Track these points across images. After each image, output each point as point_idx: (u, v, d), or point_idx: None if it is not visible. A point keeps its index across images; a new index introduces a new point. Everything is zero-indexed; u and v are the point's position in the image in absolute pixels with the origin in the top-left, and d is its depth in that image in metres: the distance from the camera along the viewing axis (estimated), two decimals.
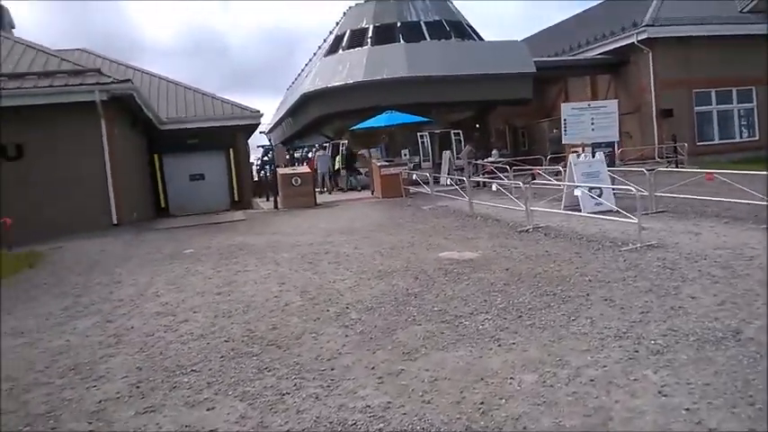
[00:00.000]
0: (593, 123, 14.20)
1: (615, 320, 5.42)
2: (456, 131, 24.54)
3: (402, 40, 23.21)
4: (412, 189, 17.59)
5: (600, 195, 11.91)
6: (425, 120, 21.01)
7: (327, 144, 26.50)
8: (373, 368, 4.79)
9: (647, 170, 11.57)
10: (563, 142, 14.83)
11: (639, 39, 23.55)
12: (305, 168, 17.73)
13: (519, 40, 24.79)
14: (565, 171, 13.61)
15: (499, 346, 5.07)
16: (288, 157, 28.18)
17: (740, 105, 25.16)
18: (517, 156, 24.32)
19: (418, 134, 23.45)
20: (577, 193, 9.50)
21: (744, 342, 4.67)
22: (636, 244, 8.41)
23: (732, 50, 23.71)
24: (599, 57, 25.91)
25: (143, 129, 22.29)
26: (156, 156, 25.10)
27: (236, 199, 24.28)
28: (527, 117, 30.11)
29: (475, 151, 20.08)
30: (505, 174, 16.65)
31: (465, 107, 25.51)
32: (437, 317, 5.96)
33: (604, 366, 4.45)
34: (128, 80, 15.90)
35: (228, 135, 24.93)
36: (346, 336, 5.61)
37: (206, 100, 26.15)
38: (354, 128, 21.58)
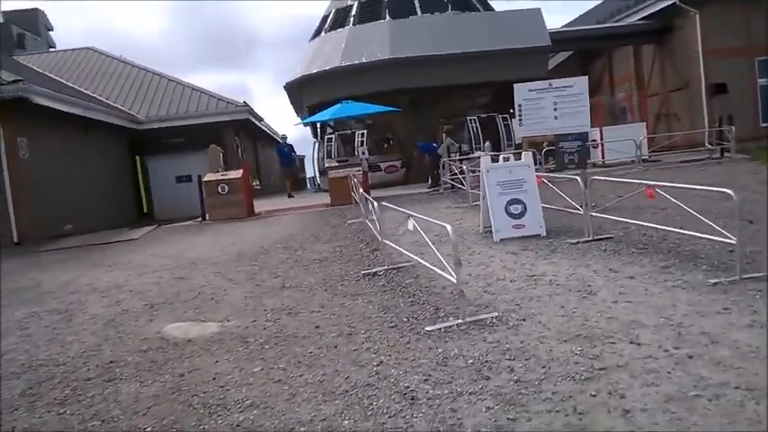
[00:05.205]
0: (555, 110, 10.55)
1: None
2: (504, 115, 20.72)
3: (388, 17, 19.76)
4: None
5: (522, 214, 8.41)
6: (391, 109, 17.58)
7: (332, 136, 23.22)
8: None
9: (579, 177, 7.86)
10: (519, 135, 11.20)
11: None
12: (235, 173, 14.92)
13: (538, 8, 20.41)
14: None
15: None
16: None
17: None
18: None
19: (468, 119, 19.89)
20: (409, 226, 6.08)
21: None
22: (462, 318, 5.03)
23: None
24: (639, 23, 21.29)
25: (109, 130, 20.36)
26: (137, 158, 23.31)
27: None
28: None
29: (457, 145, 16.46)
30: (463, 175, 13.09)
31: (481, 89, 21.74)
32: None
33: None
34: (17, 80, 13.68)
35: (215, 132, 22.66)
36: None
37: (193, 95, 24.06)
38: (303, 121, 18.53)
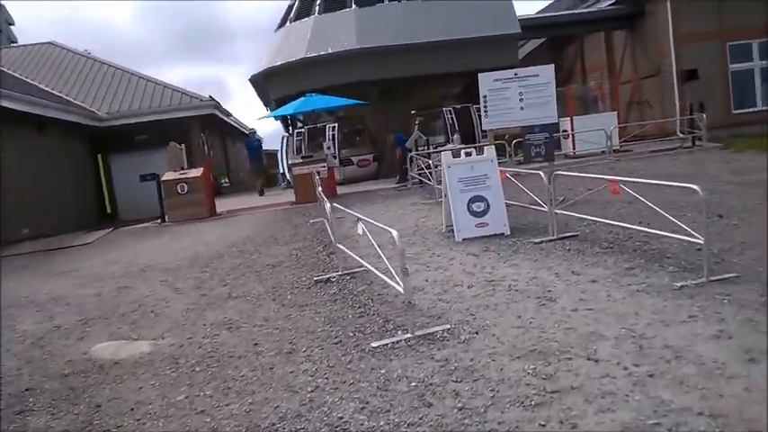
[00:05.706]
0: (521, 100, 10.17)
1: None
2: (478, 106, 20.17)
3: (354, 5, 19.22)
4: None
5: (485, 212, 8.04)
6: (357, 102, 17.09)
7: (302, 130, 22.53)
8: None
9: (543, 172, 7.51)
10: (484, 127, 10.85)
11: None
12: (195, 172, 14.38)
13: None
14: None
15: None
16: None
17: None
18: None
19: (444, 109, 19.41)
20: (359, 230, 5.69)
21: None
22: (411, 331, 4.65)
23: None
24: (610, 8, 21.01)
25: (69, 129, 19.64)
26: (99, 156, 22.55)
27: None
28: None
29: (425, 138, 16.04)
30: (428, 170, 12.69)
31: (453, 79, 21.29)
32: None
33: None
34: None
35: (180, 128, 21.99)
36: None
37: (157, 90, 23.35)
38: (266, 116, 18.03)
